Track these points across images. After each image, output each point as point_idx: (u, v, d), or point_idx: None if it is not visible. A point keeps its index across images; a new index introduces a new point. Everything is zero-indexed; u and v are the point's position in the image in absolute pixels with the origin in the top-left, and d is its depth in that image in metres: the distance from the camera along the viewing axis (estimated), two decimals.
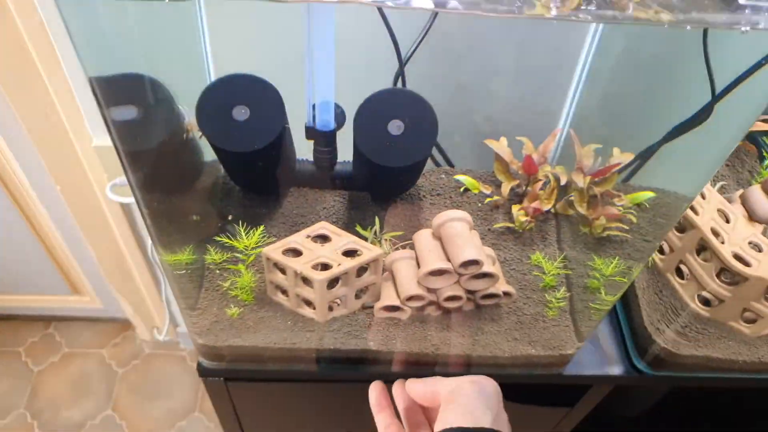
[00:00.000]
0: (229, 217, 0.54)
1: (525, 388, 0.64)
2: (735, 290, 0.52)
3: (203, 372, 0.58)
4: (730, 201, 0.57)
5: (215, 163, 0.53)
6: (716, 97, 0.51)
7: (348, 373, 0.58)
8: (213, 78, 0.47)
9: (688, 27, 0.27)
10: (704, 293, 0.54)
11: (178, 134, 0.46)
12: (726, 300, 0.53)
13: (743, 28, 0.28)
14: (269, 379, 0.60)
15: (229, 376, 0.59)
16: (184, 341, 1.60)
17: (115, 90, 0.36)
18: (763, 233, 0.53)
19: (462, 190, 0.56)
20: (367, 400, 0.44)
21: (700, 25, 0.27)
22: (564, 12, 0.27)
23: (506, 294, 0.53)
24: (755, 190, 0.55)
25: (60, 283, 1.49)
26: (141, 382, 1.52)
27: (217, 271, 0.53)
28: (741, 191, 0.57)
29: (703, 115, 0.53)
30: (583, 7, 0.27)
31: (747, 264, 0.51)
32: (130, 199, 0.98)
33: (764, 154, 0.58)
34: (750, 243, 0.52)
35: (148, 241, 1.06)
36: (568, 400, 0.66)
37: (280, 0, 0.25)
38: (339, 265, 0.48)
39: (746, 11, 0.27)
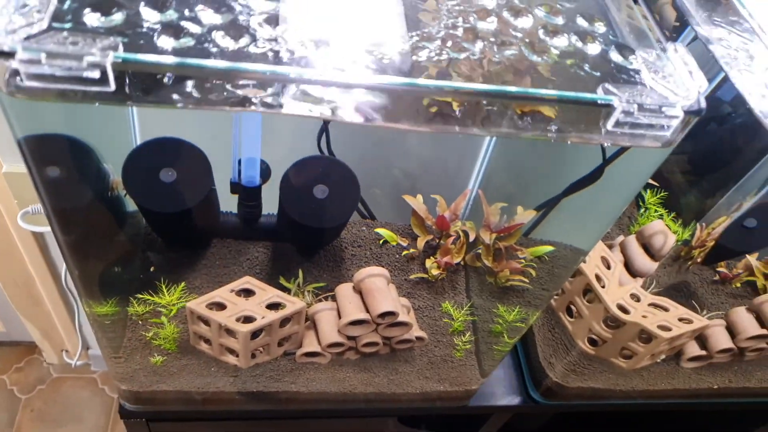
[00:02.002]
0: (152, 269, 0.55)
1: (434, 417, 0.68)
2: (615, 333, 0.59)
3: (125, 414, 0.59)
4: (611, 247, 0.64)
5: (138, 215, 0.54)
6: (606, 161, 0.58)
7: (271, 411, 0.60)
8: (138, 140, 0.49)
9: (568, 141, 0.33)
10: (590, 335, 0.61)
11: (102, 191, 0.47)
12: (608, 341, 0.60)
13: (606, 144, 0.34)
14: (192, 419, 0.62)
15: (151, 417, 0.60)
16: (95, 364, 1.55)
17: (42, 150, 0.37)
18: (643, 285, 0.61)
19: (381, 242, 0.60)
20: None
21: (583, 141, 0.33)
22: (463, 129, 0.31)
23: (419, 339, 0.57)
24: (632, 242, 0.63)
25: None
26: (47, 408, 1.46)
27: (140, 322, 0.54)
28: (621, 238, 0.65)
29: (595, 175, 0.60)
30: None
31: (626, 312, 0.58)
32: (43, 228, 0.95)
33: (640, 203, 0.65)
34: (631, 295, 0.59)
35: (62, 269, 1.03)
36: (472, 427, 0.72)
37: (211, 108, 0.27)
38: (263, 317, 0.51)
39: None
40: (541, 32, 0.34)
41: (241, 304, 0.51)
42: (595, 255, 0.62)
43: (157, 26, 0.28)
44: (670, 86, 0.33)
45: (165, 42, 0.28)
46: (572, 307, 0.63)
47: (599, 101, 0.31)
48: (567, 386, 0.64)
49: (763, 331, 0.61)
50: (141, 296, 0.50)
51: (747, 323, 0.62)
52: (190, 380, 0.55)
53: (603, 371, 0.64)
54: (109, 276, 0.52)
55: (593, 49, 0.34)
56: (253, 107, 0.29)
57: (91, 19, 0.28)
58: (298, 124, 0.59)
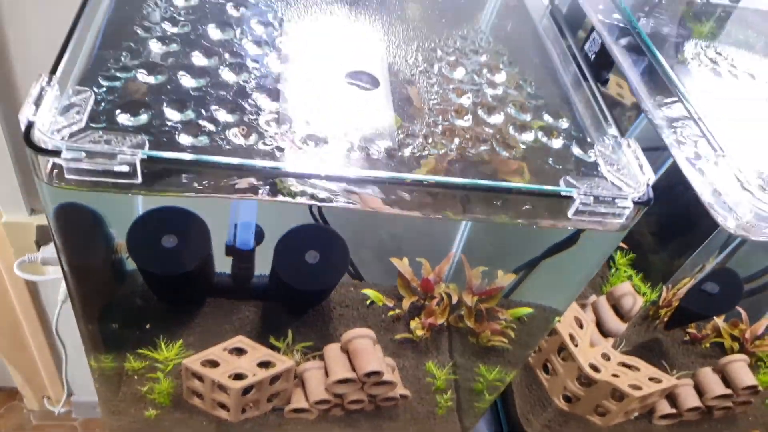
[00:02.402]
0: (148, 326, 0.58)
1: None
2: (588, 391, 0.63)
3: None
4: (584, 306, 0.68)
5: (135, 274, 0.57)
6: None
7: None
8: (141, 207, 0.52)
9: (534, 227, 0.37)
10: (565, 392, 0.64)
11: (109, 254, 0.51)
12: (581, 398, 0.64)
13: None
14: None
15: None
16: (77, 411, 1.54)
17: (66, 219, 0.41)
18: (613, 345, 0.64)
19: (368, 302, 0.64)
20: None
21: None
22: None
23: (402, 396, 0.60)
24: (603, 302, 0.67)
25: None
26: None
27: (135, 377, 0.57)
28: (594, 298, 0.69)
29: (571, 240, 0.64)
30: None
31: (597, 370, 0.62)
32: (37, 277, 0.98)
33: (611, 264, 0.70)
34: (603, 354, 0.63)
35: (54, 317, 1.05)
36: None
37: (210, 196, 0.31)
38: (254, 375, 0.54)
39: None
40: (510, 128, 0.39)
41: (233, 362, 0.54)
42: (569, 315, 0.65)
43: (178, 125, 0.32)
44: (624, 178, 0.38)
45: (185, 139, 0.32)
46: (548, 364, 0.67)
47: (562, 193, 0.36)
48: None
49: (728, 391, 0.65)
50: (140, 352, 0.53)
51: (713, 383, 0.65)
52: None
53: (578, 428, 0.67)
54: (110, 331, 0.55)
55: (557, 143, 0.39)
56: (260, 195, 0.33)
57: (122, 119, 0.32)
58: None
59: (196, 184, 0.32)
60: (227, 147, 0.32)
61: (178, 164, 0.31)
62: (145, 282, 0.55)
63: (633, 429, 0.69)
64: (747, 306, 0.69)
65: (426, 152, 0.35)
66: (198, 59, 0.37)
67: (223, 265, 0.61)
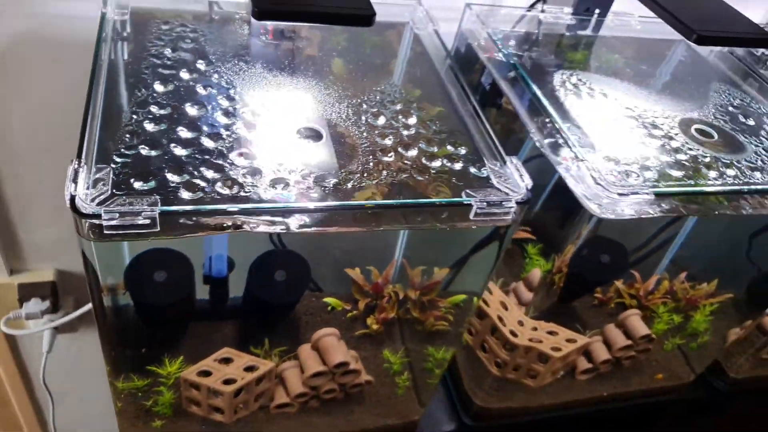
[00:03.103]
0: (143, 350, 0.68)
1: None
2: (512, 354, 0.76)
3: None
4: (507, 293, 0.82)
5: (128, 309, 0.68)
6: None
7: None
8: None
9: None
10: (496, 359, 0.78)
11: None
12: (510, 363, 0.77)
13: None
14: None
15: None
16: None
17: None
18: (525, 312, 0.78)
19: (330, 309, 0.76)
20: None
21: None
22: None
23: (367, 382, 0.72)
24: (521, 286, 0.81)
25: None
26: None
27: (140, 394, 0.67)
28: (514, 284, 0.83)
29: (489, 239, 0.78)
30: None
31: (516, 335, 0.75)
32: (21, 332, 1.05)
33: (524, 255, 0.84)
34: (518, 321, 0.77)
35: (40, 368, 1.11)
36: None
37: (216, 233, 0.42)
38: (242, 378, 0.65)
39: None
40: (423, 159, 0.52)
41: (223, 369, 0.65)
42: (495, 300, 0.79)
43: (179, 186, 0.44)
44: (509, 186, 0.51)
45: (184, 194, 0.44)
46: (484, 344, 0.80)
47: (464, 202, 0.49)
48: (490, 408, 0.80)
49: (629, 342, 0.80)
50: (147, 369, 0.63)
51: (617, 336, 0.80)
52: None
53: (516, 391, 0.81)
54: (123, 355, 0.64)
55: (458, 166, 0.53)
56: (245, 229, 0.45)
57: (137, 185, 0.43)
58: None
59: (194, 226, 0.43)
60: (217, 197, 0.44)
61: (183, 214, 0.42)
62: (137, 312, 0.65)
63: (560, 386, 0.83)
64: (640, 270, 0.85)
65: (363, 183, 0.48)
66: (183, 133, 0.49)
67: (202, 292, 0.72)
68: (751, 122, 0.70)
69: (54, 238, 0.99)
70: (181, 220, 0.43)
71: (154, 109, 0.50)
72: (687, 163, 0.60)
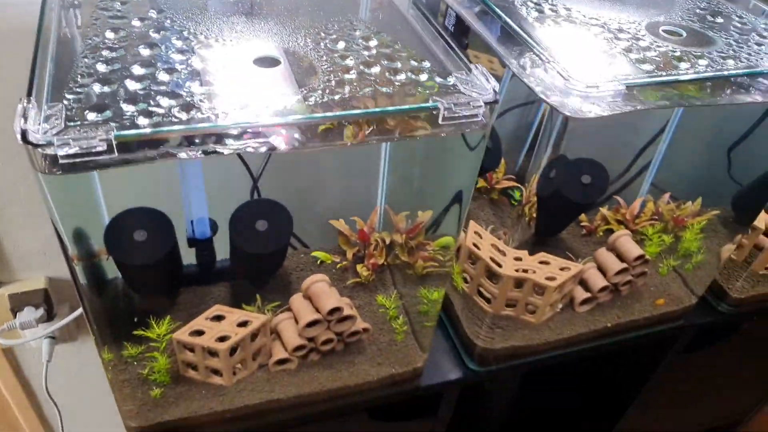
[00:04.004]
0: (135, 319, 0.67)
1: (396, 407, 0.81)
2: (499, 285, 0.75)
3: None
4: (500, 237, 0.81)
5: (116, 281, 0.66)
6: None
7: (260, 426, 0.71)
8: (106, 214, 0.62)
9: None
10: (492, 298, 0.76)
11: (93, 259, 0.60)
12: (497, 296, 0.75)
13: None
14: None
15: None
16: None
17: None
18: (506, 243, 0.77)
19: (318, 262, 0.75)
20: None
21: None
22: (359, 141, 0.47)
23: (365, 330, 0.71)
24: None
25: None
26: None
27: (135, 363, 0.66)
28: (504, 231, 0.82)
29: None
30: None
31: (500, 265, 0.74)
32: (21, 340, 1.03)
33: (512, 202, 0.83)
34: (515, 258, 0.76)
35: (41, 379, 1.10)
36: (429, 409, 0.85)
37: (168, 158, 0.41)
38: (236, 334, 0.64)
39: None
40: (386, 74, 0.52)
41: (216, 327, 0.64)
42: (486, 243, 0.78)
43: (135, 114, 0.43)
44: (476, 90, 0.51)
45: (142, 121, 0.43)
46: (480, 289, 0.79)
47: (430, 107, 0.48)
48: (492, 349, 0.79)
49: (624, 265, 0.79)
50: (135, 334, 0.62)
51: (610, 260, 0.79)
52: (185, 407, 0.66)
53: (518, 329, 0.79)
54: (109, 321, 0.63)
55: (423, 77, 0.52)
56: (204, 153, 0.44)
57: (91, 117, 0.42)
58: (236, 180, 0.74)
59: (155, 153, 0.42)
60: (175, 120, 0.43)
61: (140, 137, 0.41)
62: (124, 278, 0.64)
63: (561, 320, 0.82)
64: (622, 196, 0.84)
65: (325, 99, 0.47)
66: (137, 70, 0.48)
67: (189, 258, 0.71)
68: (720, 20, 0.70)
69: (41, 244, 0.98)
70: (137, 148, 0.42)
71: (105, 53, 0.50)
72: (657, 58, 0.60)
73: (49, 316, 1.03)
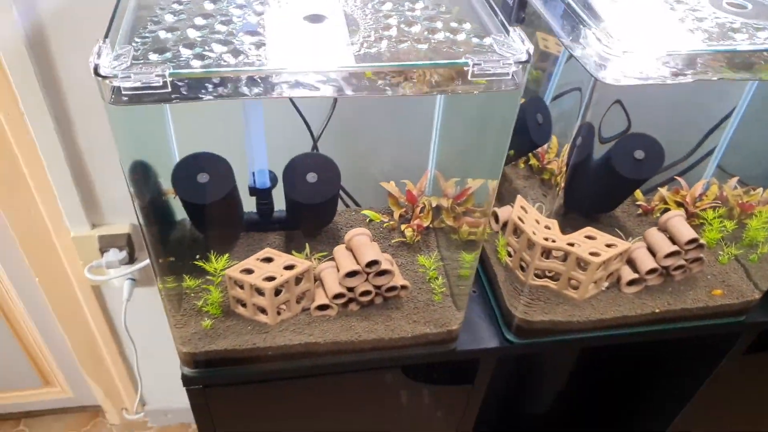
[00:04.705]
0: (197, 256, 0.74)
1: (432, 368, 0.84)
2: (544, 260, 0.75)
3: (186, 381, 0.76)
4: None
5: (185, 222, 0.74)
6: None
7: (298, 367, 0.77)
8: (177, 157, 0.69)
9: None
10: (535, 271, 0.76)
11: (163, 198, 0.68)
12: (541, 268, 0.76)
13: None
14: (238, 382, 0.78)
15: (206, 383, 0.76)
16: (152, 419, 1.70)
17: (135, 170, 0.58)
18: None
19: (368, 221, 0.79)
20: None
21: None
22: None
23: (403, 287, 0.74)
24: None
25: (31, 376, 1.58)
26: None
27: (192, 294, 0.73)
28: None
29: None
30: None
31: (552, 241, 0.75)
32: (105, 277, 1.15)
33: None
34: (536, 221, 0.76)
35: (121, 319, 1.22)
36: (467, 378, 0.87)
37: (222, 98, 0.47)
38: (282, 275, 0.69)
39: None
40: (425, 33, 0.54)
41: (264, 267, 0.70)
42: (530, 218, 0.78)
43: (191, 57, 0.49)
44: (510, 50, 0.52)
45: (195, 64, 0.48)
46: (522, 263, 0.79)
47: (460, 63, 0.50)
48: (532, 321, 0.80)
49: (675, 247, 0.77)
50: (195, 263, 0.69)
51: (661, 241, 0.77)
52: (232, 339, 0.72)
53: (558, 303, 0.79)
54: (170, 259, 0.71)
55: (461, 37, 0.54)
56: (256, 95, 0.49)
57: (153, 57, 0.48)
58: (295, 134, 0.80)
59: (208, 93, 0.48)
60: (224, 64, 0.48)
61: (191, 75, 0.47)
62: (189, 216, 0.71)
63: (606, 300, 0.81)
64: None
65: (362, 52, 0.51)
66: (199, 21, 0.53)
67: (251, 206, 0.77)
68: None
69: (127, 192, 1.09)
70: (192, 87, 0.47)
71: (175, 5, 0.56)
72: (711, 29, 0.58)
73: (131, 259, 1.14)
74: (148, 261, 1.13)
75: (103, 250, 1.14)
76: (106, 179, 1.04)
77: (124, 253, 1.12)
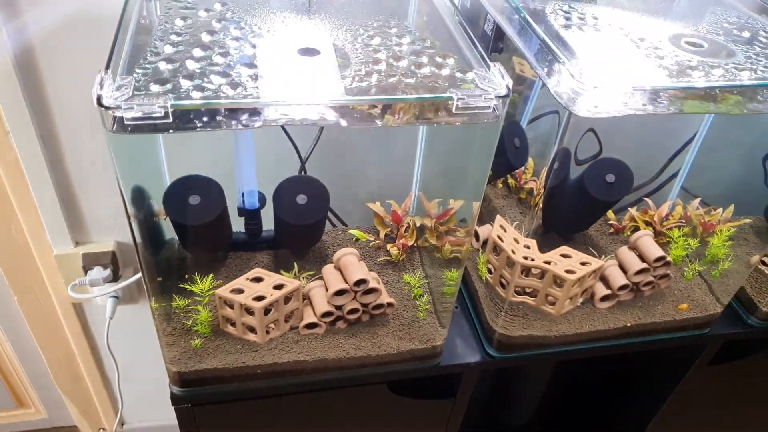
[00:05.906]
0: (186, 276, 0.76)
1: (415, 383, 0.87)
2: (515, 273, 0.79)
3: (174, 400, 0.77)
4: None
5: (173, 241, 0.76)
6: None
7: (286, 385, 0.79)
8: (168, 180, 0.71)
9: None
10: (502, 280, 0.80)
11: (154, 219, 0.69)
12: (508, 282, 0.80)
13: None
14: (226, 401, 0.80)
15: (195, 402, 0.78)
16: None
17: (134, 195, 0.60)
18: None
19: (354, 240, 0.82)
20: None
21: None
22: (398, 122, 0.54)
23: (389, 305, 0.77)
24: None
25: (4, 397, 1.55)
26: None
27: (181, 314, 0.74)
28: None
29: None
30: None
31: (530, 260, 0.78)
32: (87, 295, 1.15)
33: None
34: (514, 239, 0.80)
35: (103, 334, 1.22)
36: (450, 391, 0.90)
37: (218, 129, 0.49)
38: (271, 295, 0.71)
39: None
40: (412, 67, 0.58)
41: (254, 287, 0.72)
42: (509, 237, 0.82)
43: (191, 88, 0.51)
44: (491, 85, 0.56)
45: (195, 95, 0.51)
46: (502, 280, 0.83)
47: (445, 98, 0.54)
48: (512, 336, 0.83)
49: (644, 265, 0.81)
50: (182, 287, 0.70)
51: (631, 259, 0.82)
52: (221, 358, 0.74)
53: (536, 319, 0.83)
54: (161, 276, 0.72)
55: (445, 72, 0.58)
56: (253, 125, 0.51)
57: (154, 88, 0.51)
58: (283, 156, 0.82)
59: (206, 124, 0.50)
60: (223, 95, 0.51)
61: (192, 107, 0.49)
62: (179, 238, 0.73)
63: (581, 315, 0.85)
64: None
65: (353, 86, 0.54)
66: (197, 52, 0.56)
67: (239, 226, 0.80)
68: (746, 34, 0.72)
69: (113, 211, 1.09)
70: (191, 119, 0.50)
71: (173, 37, 0.58)
72: (671, 67, 0.63)
73: (115, 277, 1.15)
74: (133, 279, 1.14)
75: (86, 268, 1.14)
76: (92, 198, 1.05)
77: (108, 271, 1.12)
